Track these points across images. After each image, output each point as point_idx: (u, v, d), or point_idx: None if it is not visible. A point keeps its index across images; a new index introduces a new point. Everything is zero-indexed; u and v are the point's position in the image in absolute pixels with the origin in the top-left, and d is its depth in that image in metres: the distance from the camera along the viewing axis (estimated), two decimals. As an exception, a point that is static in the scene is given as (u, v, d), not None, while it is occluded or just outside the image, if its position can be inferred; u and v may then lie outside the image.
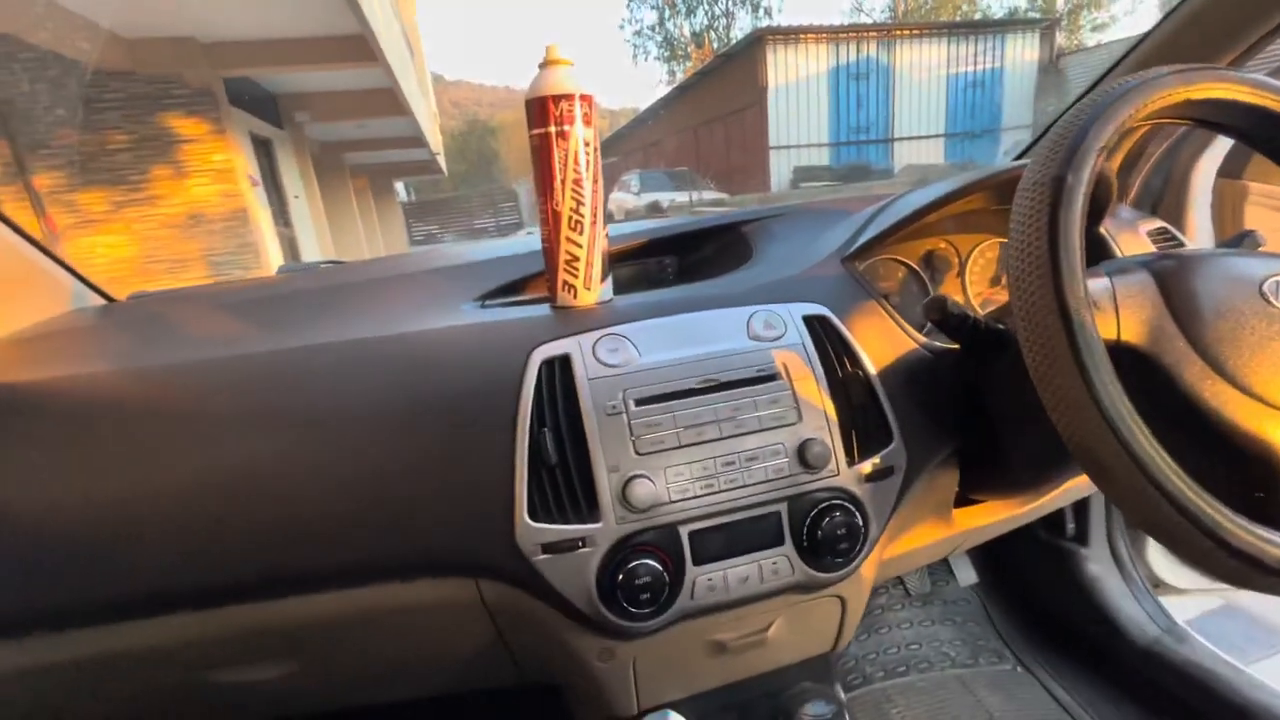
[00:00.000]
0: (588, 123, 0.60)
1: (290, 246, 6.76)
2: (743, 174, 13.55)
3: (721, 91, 14.25)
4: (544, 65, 0.59)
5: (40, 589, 0.51)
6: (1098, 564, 1.07)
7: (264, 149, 6.81)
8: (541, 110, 0.59)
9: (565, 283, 0.63)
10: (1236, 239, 0.63)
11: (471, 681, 0.77)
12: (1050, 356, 0.42)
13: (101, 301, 0.85)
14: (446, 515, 0.54)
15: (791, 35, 12.77)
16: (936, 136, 13.81)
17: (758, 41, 12.73)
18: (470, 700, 0.95)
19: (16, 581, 0.51)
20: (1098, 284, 0.46)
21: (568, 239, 0.62)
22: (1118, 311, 0.46)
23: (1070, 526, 1.08)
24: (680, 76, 24.87)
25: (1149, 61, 0.78)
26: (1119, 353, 0.45)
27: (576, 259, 0.63)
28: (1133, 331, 0.45)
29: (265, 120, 6.69)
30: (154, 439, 0.54)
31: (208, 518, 0.53)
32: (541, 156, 0.60)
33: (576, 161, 0.60)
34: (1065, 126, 0.46)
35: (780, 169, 12.90)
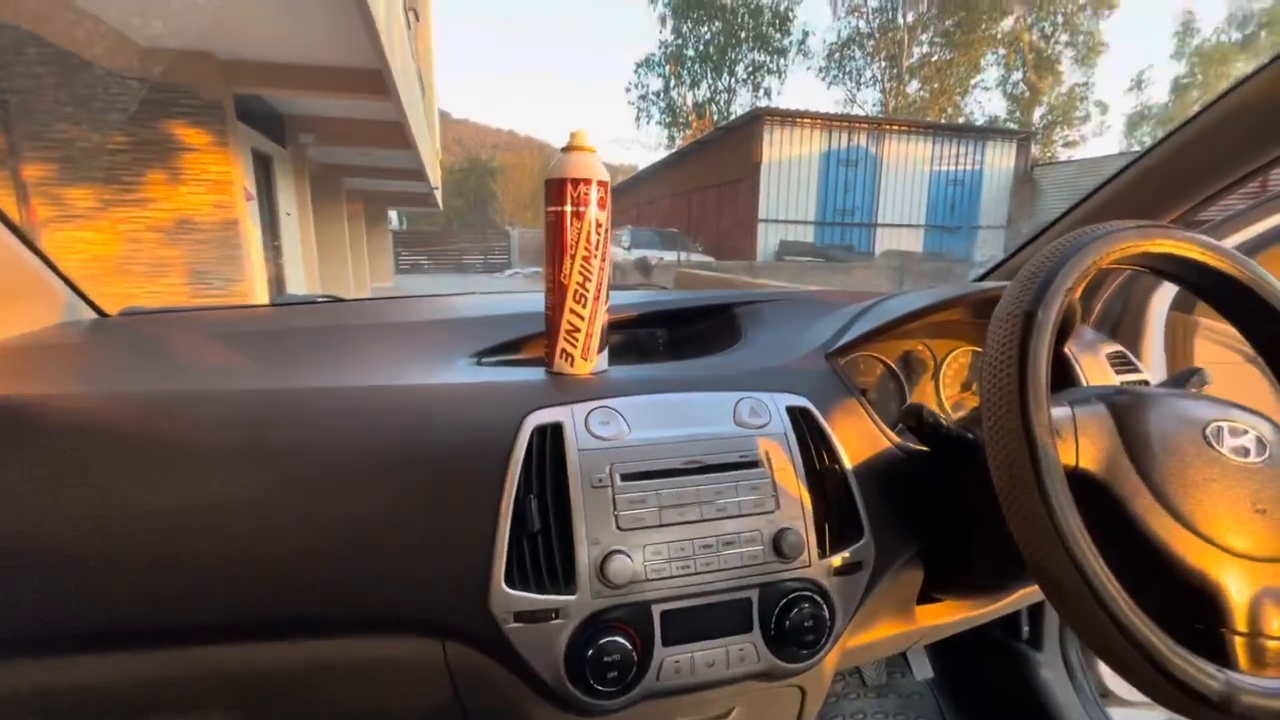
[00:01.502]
0: (602, 206, 0.64)
1: (278, 281, 6.72)
2: (731, 241, 13.97)
3: (717, 161, 14.85)
4: (567, 149, 0.64)
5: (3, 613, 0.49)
6: (1049, 670, 1.09)
7: (264, 165, 6.85)
8: (560, 190, 0.63)
9: (564, 351, 0.66)
10: (1185, 375, 0.68)
11: None
12: (1014, 478, 0.45)
13: (93, 315, 0.84)
14: (422, 572, 0.54)
15: (788, 117, 13.46)
16: (917, 226, 14.48)
17: (756, 119, 13.39)
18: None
19: None
20: (1060, 412, 0.50)
21: (571, 310, 0.65)
22: (1077, 440, 0.49)
23: (1025, 629, 1.10)
24: (680, 143, 25.88)
25: (1107, 206, 0.86)
26: (1077, 479, 0.48)
27: (577, 330, 0.65)
28: (1091, 460, 0.49)
29: (269, 137, 6.76)
30: (133, 467, 0.54)
31: (178, 553, 0.52)
32: (555, 231, 0.63)
33: (588, 240, 0.63)
34: (1038, 266, 0.51)
35: (767, 240, 13.35)
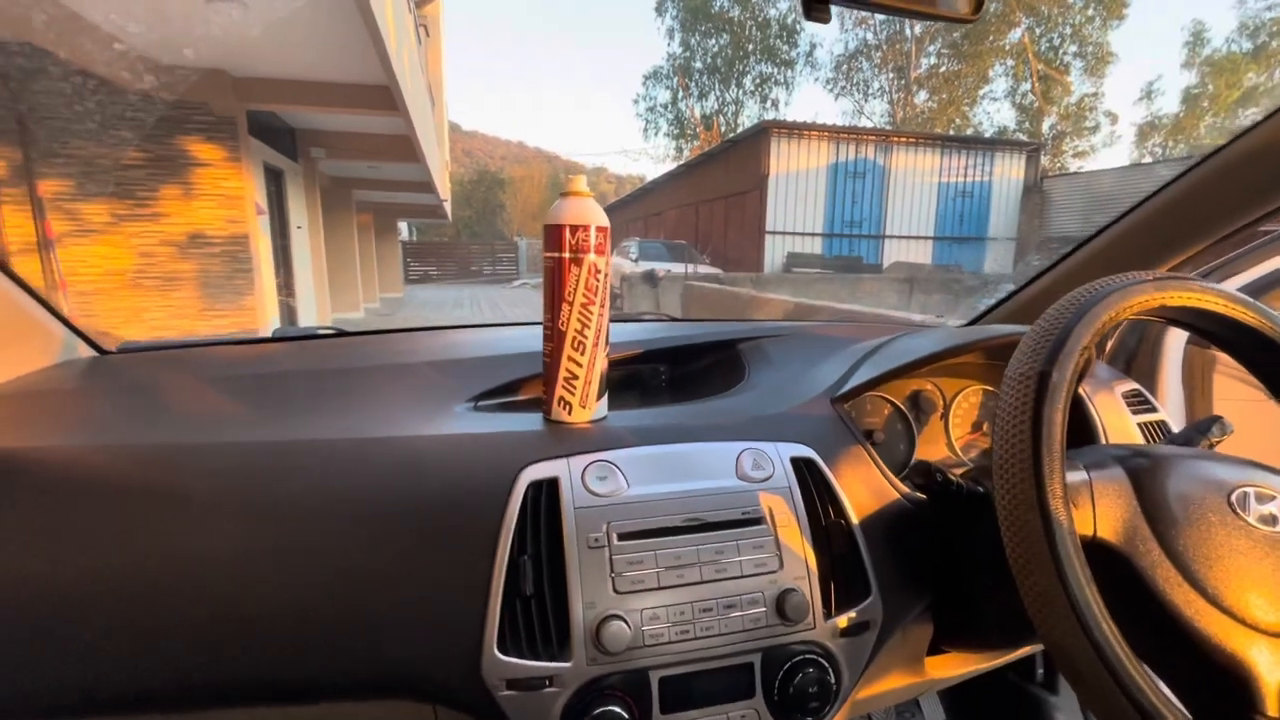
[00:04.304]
0: (600, 252, 0.62)
1: (288, 293, 6.79)
2: (738, 253, 13.97)
3: (725, 173, 14.89)
4: (565, 195, 0.62)
5: None
6: (1065, 714, 1.05)
7: (275, 179, 6.93)
8: (558, 236, 0.61)
9: (561, 399, 0.64)
10: (1206, 424, 0.66)
11: None
12: (1028, 550, 0.43)
13: (90, 352, 0.84)
14: (413, 635, 0.53)
15: (795, 130, 13.49)
16: (926, 238, 14.43)
17: (763, 132, 13.42)
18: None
19: None
20: (1076, 477, 0.48)
21: (569, 358, 0.63)
22: (1094, 508, 0.47)
23: (1040, 672, 1.07)
24: (687, 154, 26.01)
25: (1111, 249, 0.84)
26: (1095, 549, 0.46)
27: (575, 377, 0.64)
28: (1109, 529, 0.47)
29: (280, 152, 6.84)
30: (121, 524, 0.53)
31: (161, 612, 0.51)
32: (554, 278, 0.62)
33: (588, 287, 0.62)
34: (1051, 323, 0.49)
35: (774, 253, 13.33)
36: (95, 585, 0.51)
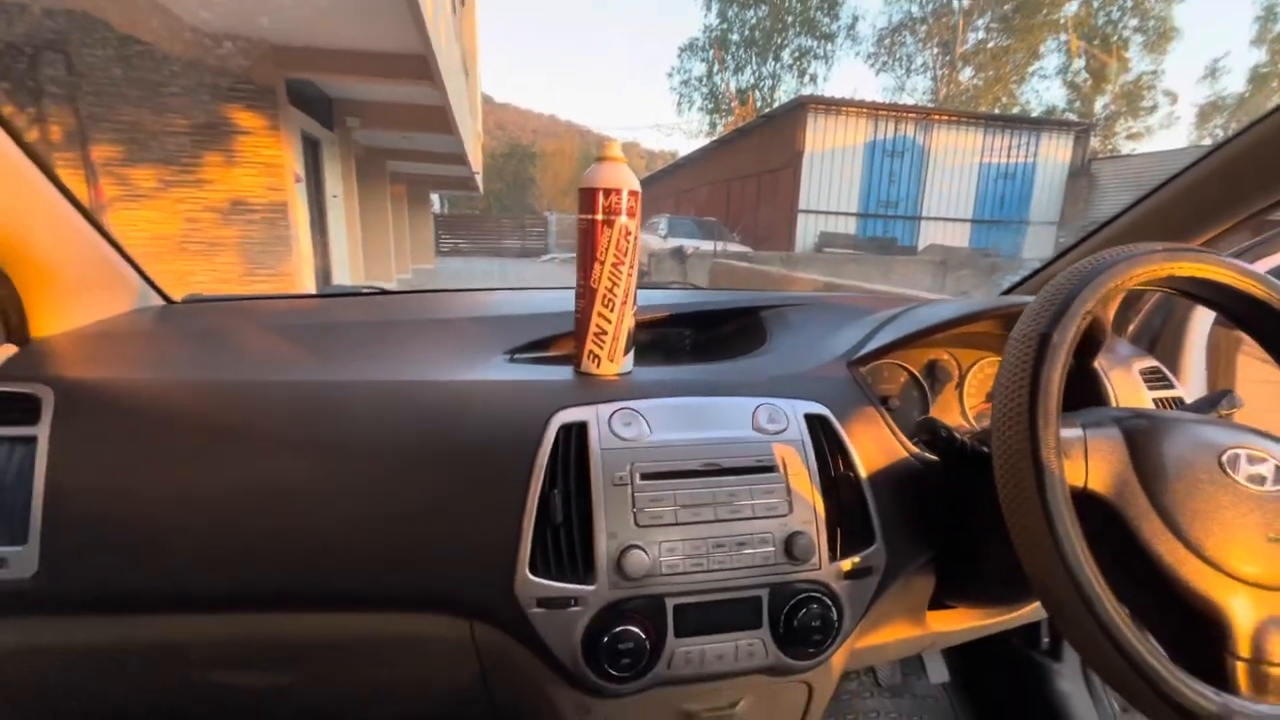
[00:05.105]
0: (631, 214, 0.66)
1: (323, 261, 6.94)
2: (769, 232, 13.80)
3: (759, 150, 14.63)
4: (600, 160, 0.66)
5: (92, 573, 0.56)
6: (1068, 681, 1.09)
7: (312, 148, 7.05)
8: (592, 199, 0.65)
9: (591, 353, 0.69)
10: (1216, 397, 0.67)
11: (449, 715, 0.80)
12: (1020, 497, 0.46)
13: (160, 301, 0.91)
14: (453, 558, 0.59)
15: (833, 106, 13.15)
16: (964, 220, 14.03)
17: (800, 107, 13.12)
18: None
19: (75, 564, 0.55)
20: (1071, 433, 0.51)
21: (599, 314, 0.67)
22: (1087, 461, 0.50)
23: (1045, 640, 1.10)
24: (721, 130, 25.58)
25: (1141, 223, 0.85)
26: (1085, 499, 0.49)
27: (605, 333, 0.68)
28: (1099, 482, 0.50)
29: (318, 121, 6.95)
30: (198, 450, 0.59)
31: (238, 529, 0.58)
32: (586, 239, 0.66)
33: (619, 247, 0.66)
34: (1057, 288, 0.51)
35: (806, 232, 13.12)
36: (180, 500, 0.58)
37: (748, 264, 8.98)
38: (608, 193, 0.65)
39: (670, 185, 21.75)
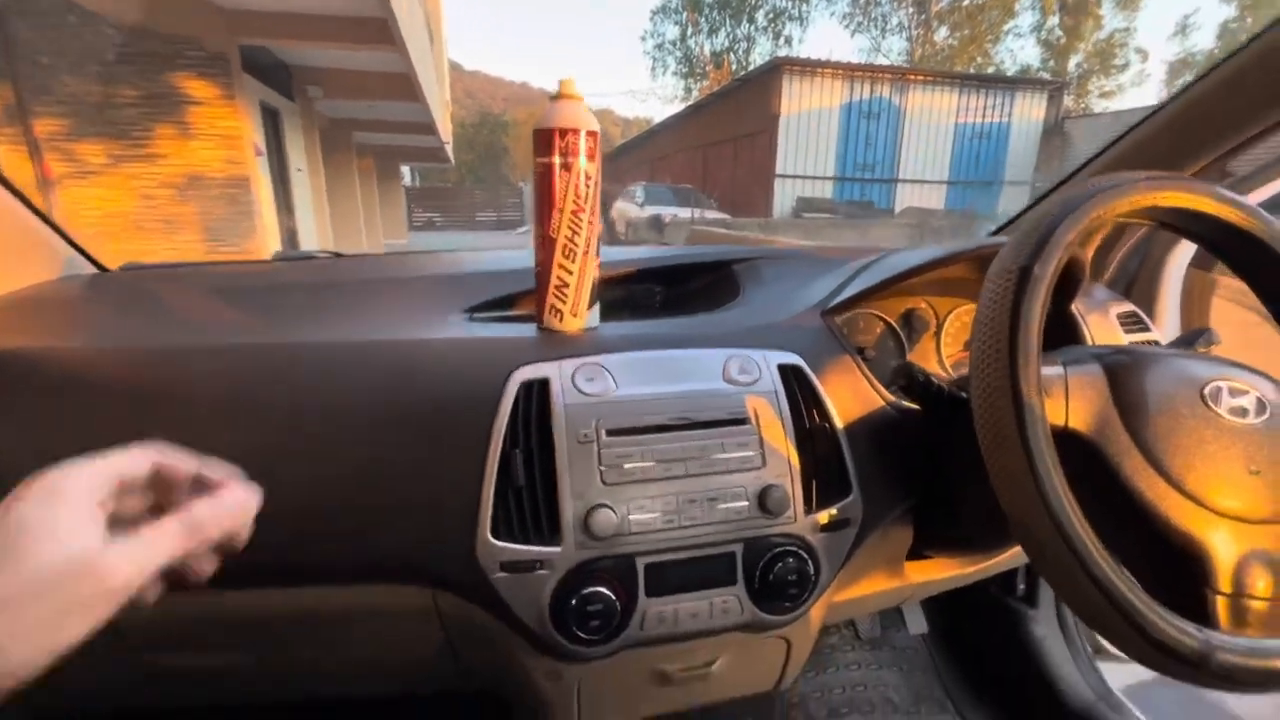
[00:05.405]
0: (591, 157, 0.62)
1: (290, 238, 6.72)
2: (747, 197, 13.67)
3: (734, 114, 14.41)
4: (555, 98, 0.62)
5: None
6: (1043, 626, 1.10)
7: (272, 119, 6.78)
8: (548, 141, 0.61)
9: (553, 307, 0.65)
10: (1194, 335, 0.66)
11: (419, 685, 0.78)
12: (999, 435, 0.44)
13: (92, 269, 0.85)
14: (412, 524, 0.56)
15: (809, 68, 12.95)
16: (940, 182, 14.04)
17: (775, 70, 12.89)
18: (420, 705, 0.95)
19: None
20: (1052, 370, 0.49)
21: (560, 265, 0.64)
22: (1068, 399, 0.48)
23: (1021, 587, 1.11)
24: (696, 94, 25.12)
25: (1124, 159, 0.82)
26: (1066, 438, 0.47)
27: (566, 285, 0.64)
28: (1080, 419, 0.48)
29: (276, 90, 6.67)
30: (129, 421, 0.55)
31: None
32: (543, 184, 0.62)
33: (577, 193, 0.62)
34: (1037, 219, 0.49)
35: (784, 197, 13.03)
36: None
37: (725, 230, 8.92)
38: (564, 133, 0.60)
39: (646, 152, 21.41)
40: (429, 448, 0.56)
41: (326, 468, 0.56)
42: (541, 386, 0.58)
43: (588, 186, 0.62)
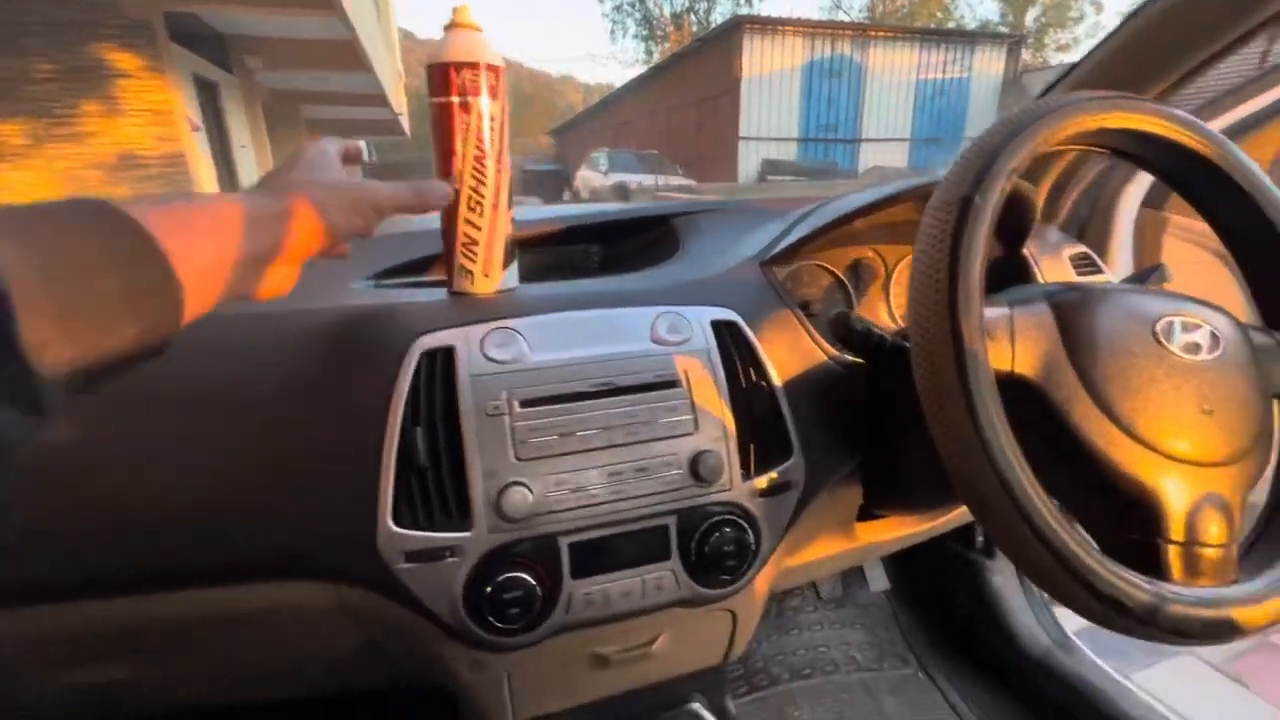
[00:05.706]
0: (494, 95, 0.55)
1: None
2: (712, 162, 13.49)
3: (696, 77, 14.12)
4: (449, 28, 0.54)
5: None
6: (1001, 576, 1.10)
7: (209, 92, 6.41)
8: (444, 78, 0.54)
9: (461, 267, 0.59)
10: (1146, 272, 0.63)
11: (356, 683, 0.73)
12: (938, 383, 0.40)
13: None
14: (305, 514, 0.50)
15: (770, 26, 12.71)
16: (902, 140, 14.03)
17: (736, 28, 12.62)
18: (365, 699, 0.91)
19: None
20: (996, 313, 0.45)
21: (466, 220, 0.57)
22: (1013, 342, 0.44)
23: (979, 539, 1.11)
24: (657, 57, 24.54)
25: (1081, 86, 0.78)
26: (1011, 384, 0.44)
27: (475, 243, 0.58)
28: (1026, 364, 0.44)
29: (211, 61, 6.29)
30: None
31: (44, 505, 0.47)
32: (441, 128, 0.55)
33: (479, 137, 0.55)
34: (979, 146, 0.44)
35: (749, 160, 12.89)
36: None
37: (691, 196, 8.80)
38: (460, 68, 0.53)
39: (608, 118, 20.93)
40: (320, 429, 0.50)
41: (207, 457, 0.49)
42: (446, 355, 0.52)
43: (492, 130, 0.56)
